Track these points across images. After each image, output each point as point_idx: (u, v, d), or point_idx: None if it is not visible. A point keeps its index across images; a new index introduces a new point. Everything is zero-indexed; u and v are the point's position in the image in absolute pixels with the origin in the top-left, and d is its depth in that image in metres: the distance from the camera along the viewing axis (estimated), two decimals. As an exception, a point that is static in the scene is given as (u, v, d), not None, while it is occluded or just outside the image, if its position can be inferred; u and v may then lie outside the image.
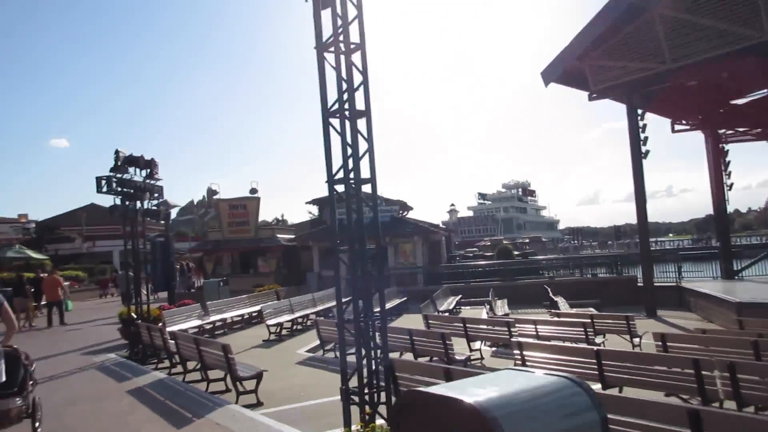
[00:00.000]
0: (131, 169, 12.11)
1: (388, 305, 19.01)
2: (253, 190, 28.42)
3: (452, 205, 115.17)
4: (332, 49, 5.79)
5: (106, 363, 11.14)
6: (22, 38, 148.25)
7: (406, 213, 29.16)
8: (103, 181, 11.46)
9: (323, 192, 39.61)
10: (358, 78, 5.79)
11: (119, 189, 11.73)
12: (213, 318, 15.69)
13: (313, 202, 37.51)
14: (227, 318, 16.38)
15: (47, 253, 41.20)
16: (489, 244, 53.21)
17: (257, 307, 18.35)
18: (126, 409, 7.37)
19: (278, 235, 29.24)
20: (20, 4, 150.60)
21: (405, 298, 21.56)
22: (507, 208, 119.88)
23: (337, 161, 5.87)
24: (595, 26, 17.71)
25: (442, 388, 2.42)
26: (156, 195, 12.93)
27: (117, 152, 11.58)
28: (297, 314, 16.25)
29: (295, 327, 15.92)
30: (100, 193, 11.47)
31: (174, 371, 10.33)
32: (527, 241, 63.52)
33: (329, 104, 5.82)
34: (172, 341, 10.40)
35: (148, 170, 12.50)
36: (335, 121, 5.82)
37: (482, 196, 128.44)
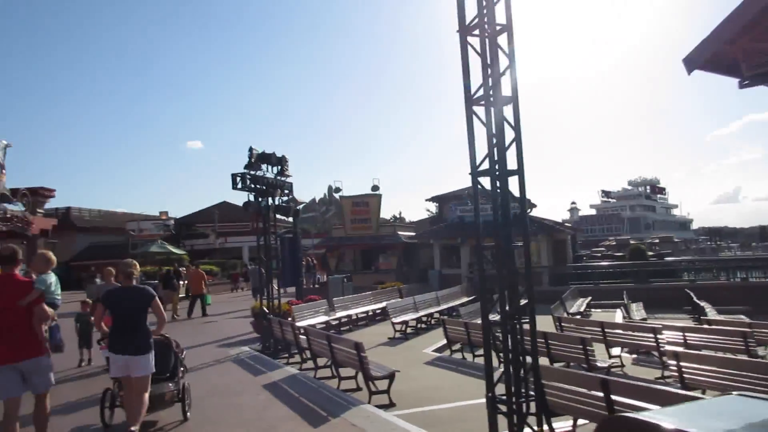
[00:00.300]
0: (264, 166, 12.41)
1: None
2: (375, 187, 28.64)
3: (573, 203, 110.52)
4: (476, 32, 5.41)
5: (240, 356, 11.46)
6: (158, 48, 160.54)
7: (529, 210, 28.08)
8: (238, 178, 11.81)
9: (443, 189, 39.44)
10: (503, 62, 5.37)
11: (253, 186, 12.05)
12: (339, 314, 15.84)
13: (433, 199, 37.25)
14: (352, 314, 16.47)
15: (184, 248, 44.05)
16: (615, 243, 50.40)
17: (381, 305, 18.36)
18: (263, 404, 7.42)
19: (399, 232, 29.29)
20: (155, 17, 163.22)
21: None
22: (633, 206, 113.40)
23: (480, 152, 5.48)
24: (751, 5, 15.93)
25: (659, 416, 1.97)
26: (286, 191, 13.19)
27: (251, 149, 11.90)
28: (421, 313, 16.02)
29: (419, 325, 15.70)
30: (235, 189, 11.85)
31: (305, 366, 10.43)
32: (657, 241, 59.59)
33: (473, 91, 5.45)
34: (303, 337, 10.50)
35: (279, 167, 12.76)
36: (479, 110, 5.43)
37: (606, 193, 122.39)
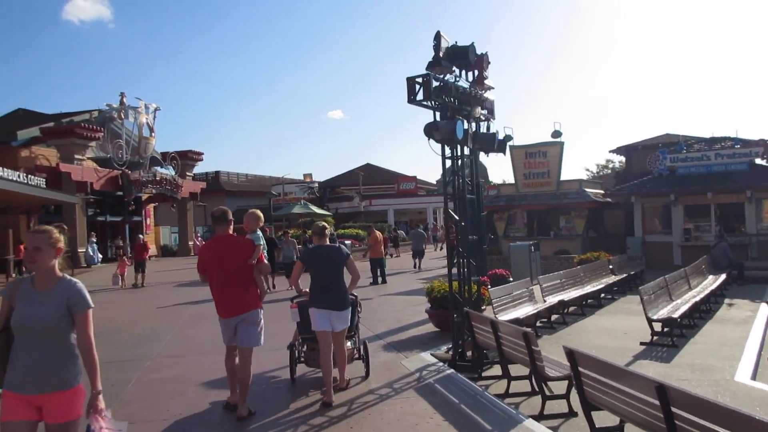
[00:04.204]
0: (455, 70, 7.65)
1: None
2: (556, 133, 22.89)
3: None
4: None
5: (425, 376, 6.94)
6: (301, 24, 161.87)
7: (772, 158, 21.02)
8: (417, 85, 7.14)
9: (626, 139, 32.65)
10: None
11: (440, 98, 7.33)
12: (550, 300, 10.93)
13: (619, 150, 30.73)
14: (566, 299, 11.42)
15: (329, 211, 41.21)
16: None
17: (595, 286, 13.27)
18: None
19: (587, 190, 23.49)
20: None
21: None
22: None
23: None
24: None
25: None
26: (485, 111, 8.37)
27: (438, 37, 7.15)
28: (680, 303, 10.53)
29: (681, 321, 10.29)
30: (411, 103, 7.19)
31: (549, 411, 5.71)
32: None
33: None
34: (550, 358, 5.79)
35: (477, 71, 7.96)
36: None
37: None
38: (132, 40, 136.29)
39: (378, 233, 18.68)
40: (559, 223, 23.95)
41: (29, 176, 24.29)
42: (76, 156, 30.38)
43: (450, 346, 8.23)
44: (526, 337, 5.76)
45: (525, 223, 24.82)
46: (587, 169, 61.96)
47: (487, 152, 8.34)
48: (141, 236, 22.37)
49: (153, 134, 36.45)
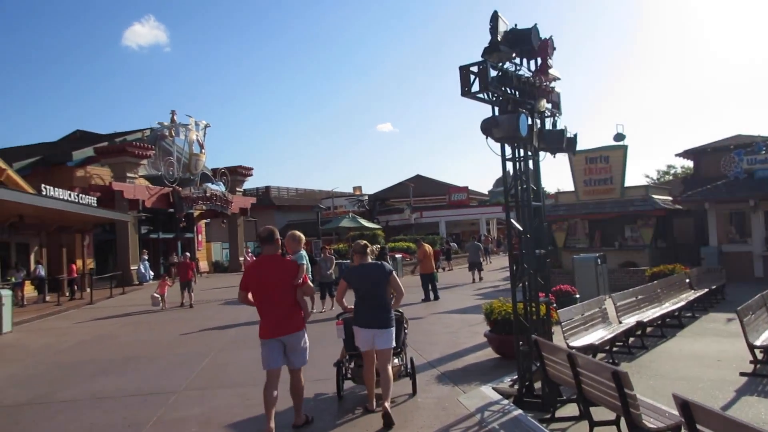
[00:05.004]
0: (515, 57, 6.56)
1: None
2: (620, 136, 21.28)
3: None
4: None
5: (487, 419, 5.83)
6: (349, 41, 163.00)
7: None
8: (472, 75, 6.10)
9: (690, 143, 30.47)
10: None
11: (499, 90, 6.26)
12: (627, 322, 9.60)
13: (685, 154, 28.70)
14: (645, 320, 10.03)
15: (378, 223, 40.32)
16: None
17: (678, 303, 11.83)
18: None
19: (654, 196, 21.77)
20: (346, 12, 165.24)
21: None
22: None
23: None
24: None
25: None
26: (549, 105, 7.24)
27: (495, 18, 6.10)
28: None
29: None
30: (465, 96, 6.16)
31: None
32: None
33: None
34: (643, 401, 4.59)
35: (539, 60, 6.85)
36: None
37: None
38: (186, 61, 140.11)
39: (427, 246, 17.50)
40: (624, 233, 22.26)
41: (81, 195, 24.40)
42: (129, 174, 30.59)
43: (515, 377, 7.12)
44: (617, 378, 4.58)
45: (586, 234, 23.21)
46: (647, 176, 59.16)
47: (554, 152, 7.20)
48: (187, 254, 21.95)
49: (203, 151, 36.50)
